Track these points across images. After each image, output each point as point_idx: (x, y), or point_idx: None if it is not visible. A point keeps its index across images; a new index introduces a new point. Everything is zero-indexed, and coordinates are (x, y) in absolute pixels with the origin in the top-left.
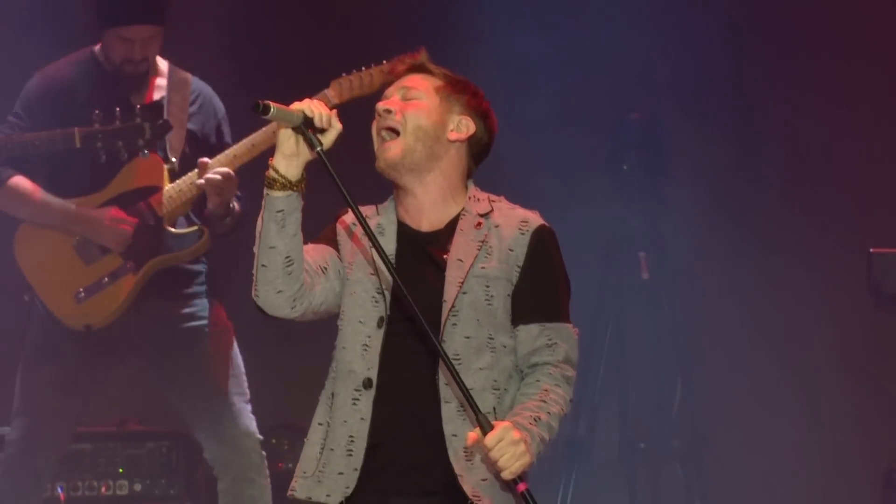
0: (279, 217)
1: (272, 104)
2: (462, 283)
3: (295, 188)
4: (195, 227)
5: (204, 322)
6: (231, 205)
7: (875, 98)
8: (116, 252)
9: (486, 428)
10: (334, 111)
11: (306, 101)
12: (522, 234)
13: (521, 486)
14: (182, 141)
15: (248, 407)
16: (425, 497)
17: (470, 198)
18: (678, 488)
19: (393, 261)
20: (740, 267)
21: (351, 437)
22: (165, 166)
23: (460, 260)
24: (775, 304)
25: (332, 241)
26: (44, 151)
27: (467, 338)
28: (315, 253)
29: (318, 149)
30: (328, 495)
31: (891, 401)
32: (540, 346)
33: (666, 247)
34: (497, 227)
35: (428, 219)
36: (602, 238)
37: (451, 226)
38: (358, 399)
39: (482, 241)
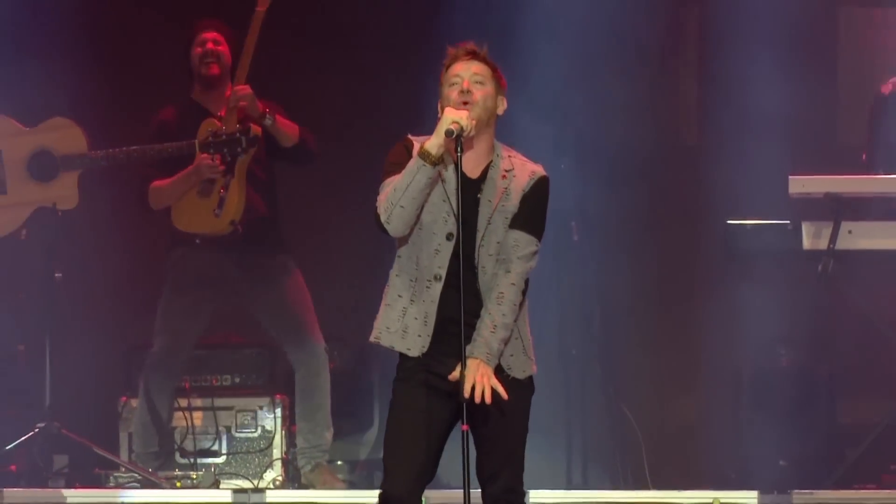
0: (430, 182)
1: (454, 129)
2: (490, 218)
3: (438, 162)
4: (253, 135)
5: (282, 269)
6: (266, 117)
7: (728, 85)
8: (217, 176)
9: (464, 366)
10: (465, 112)
11: (459, 113)
12: (531, 180)
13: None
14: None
15: (315, 324)
16: (464, 356)
17: (498, 155)
18: (597, 380)
19: (452, 198)
20: (637, 231)
21: (426, 313)
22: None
23: (490, 200)
24: (660, 257)
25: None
26: (173, 156)
27: (490, 255)
28: None
29: (458, 150)
30: (409, 349)
31: (738, 321)
32: (511, 246)
33: (589, 219)
34: (515, 176)
35: (473, 167)
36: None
37: (485, 173)
38: (429, 287)
39: (506, 188)
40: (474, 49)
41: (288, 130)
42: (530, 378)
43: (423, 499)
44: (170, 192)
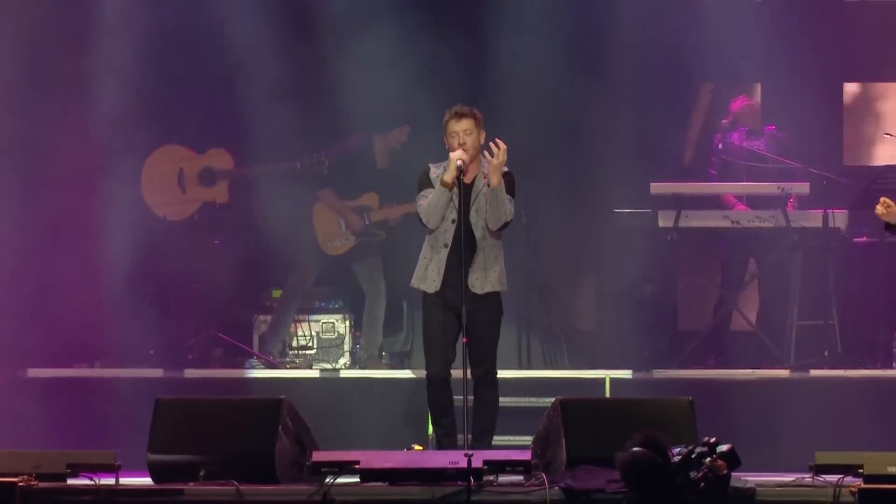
0: (448, 199)
1: (460, 164)
2: (477, 206)
3: (453, 187)
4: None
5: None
6: None
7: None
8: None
9: (466, 297)
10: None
11: (459, 153)
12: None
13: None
14: None
15: (380, 271)
16: (464, 292)
17: (482, 170)
18: (535, 304)
19: (457, 198)
20: (562, 218)
21: (438, 267)
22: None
23: (477, 196)
24: (575, 233)
25: (431, 184)
26: (287, 173)
27: (477, 227)
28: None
29: (461, 176)
30: (427, 288)
31: (620, 270)
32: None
33: (535, 211)
34: (485, 177)
35: (468, 177)
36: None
37: (474, 178)
38: (440, 252)
39: (485, 185)
40: (462, 111)
41: None
42: (499, 299)
43: (450, 372)
44: (332, 204)
